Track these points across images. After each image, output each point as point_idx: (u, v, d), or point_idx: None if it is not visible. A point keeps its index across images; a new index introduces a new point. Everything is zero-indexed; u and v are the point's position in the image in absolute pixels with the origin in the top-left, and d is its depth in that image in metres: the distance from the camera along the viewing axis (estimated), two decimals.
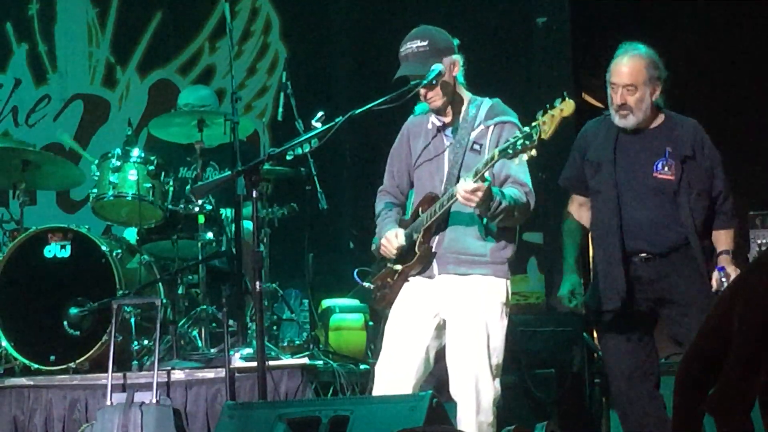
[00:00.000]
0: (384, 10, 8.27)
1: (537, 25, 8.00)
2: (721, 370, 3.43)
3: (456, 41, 4.94)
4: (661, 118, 5.43)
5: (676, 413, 3.60)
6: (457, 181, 4.77)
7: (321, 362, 6.07)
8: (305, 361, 5.97)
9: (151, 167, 6.48)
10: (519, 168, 4.78)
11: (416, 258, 4.89)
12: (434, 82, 4.84)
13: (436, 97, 4.90)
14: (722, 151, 5.46)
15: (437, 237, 4.90)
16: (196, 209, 6.52)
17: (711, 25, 7.68)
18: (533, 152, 4.50)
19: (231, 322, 6.16)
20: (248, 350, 5.97)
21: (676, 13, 7.62)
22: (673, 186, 5.33)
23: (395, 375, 4.84)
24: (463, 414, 4.73)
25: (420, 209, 4.92)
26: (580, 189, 5.57)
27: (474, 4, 8.18)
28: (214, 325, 6.41)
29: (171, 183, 6.58)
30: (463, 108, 4.95)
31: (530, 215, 4.92)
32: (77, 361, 6.16)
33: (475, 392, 4.74)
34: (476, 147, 4.87)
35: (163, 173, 6.54)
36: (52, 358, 6.20)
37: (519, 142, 4.53)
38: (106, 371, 5.79)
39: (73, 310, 6.22)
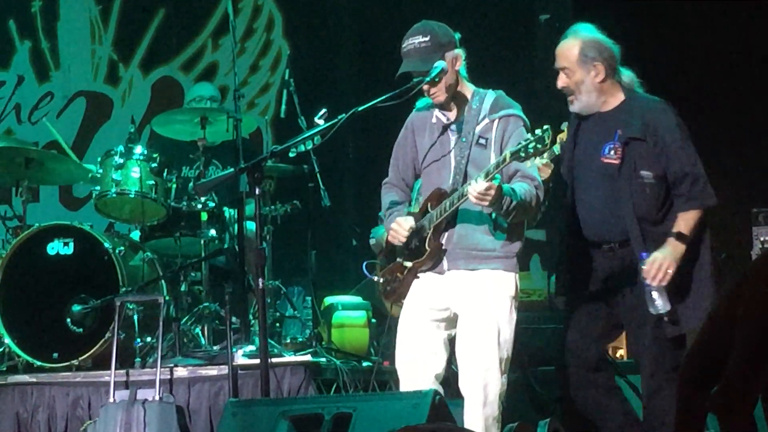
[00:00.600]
0: (387, 6, 8.26)
1: (539, 22, 8.00)
2: (723, 368, 3.42)
3: (458, 35, 4.94)
4: (619, 100, 5.22)
5: (679, 412, 3.59)
6: (465, 175, 4.81)
7: (324, 359, 6.06)
8: (308, 358, 5.97)
9: (154, 164, 6.48)
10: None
11: (426, 254, 4.90)
12: (437, 79, 4.85)
13: (440, 93, 4.91)
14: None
15: (446, 233, 4.91)
16: (199, 206, 6.53)
17: (714, 23, 7.66)
18: (545, 157, 4.49)
19: (234, 319, 6.16)
20: (251, 347, 5.97)
21: (679, 10, 7.61)
22: (616, 170, 5.13)
23: (416, 370, 4.86)
24: (470, 406, 4.76)
25: (429, 205, 4.92)
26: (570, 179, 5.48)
27: (477, 2, 8.18)
28: (216, 322, 6.42)
29: (174, 180, 6.58)
30: (467, 101, 4.95)
31: (541, 209, 4.92)
32: (80, 359, 6.16)
33: (483, 384, 4.76)
34: (482, 141, 4.88)
35: (165, 170, 6.54)
36: (55, 355, 6.20)
37: (531, 146, 4.54)
38: (109, 368, 5.78)
39: (76, 308, 6.22)
